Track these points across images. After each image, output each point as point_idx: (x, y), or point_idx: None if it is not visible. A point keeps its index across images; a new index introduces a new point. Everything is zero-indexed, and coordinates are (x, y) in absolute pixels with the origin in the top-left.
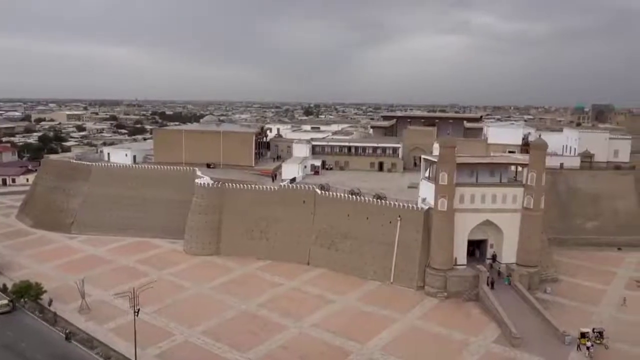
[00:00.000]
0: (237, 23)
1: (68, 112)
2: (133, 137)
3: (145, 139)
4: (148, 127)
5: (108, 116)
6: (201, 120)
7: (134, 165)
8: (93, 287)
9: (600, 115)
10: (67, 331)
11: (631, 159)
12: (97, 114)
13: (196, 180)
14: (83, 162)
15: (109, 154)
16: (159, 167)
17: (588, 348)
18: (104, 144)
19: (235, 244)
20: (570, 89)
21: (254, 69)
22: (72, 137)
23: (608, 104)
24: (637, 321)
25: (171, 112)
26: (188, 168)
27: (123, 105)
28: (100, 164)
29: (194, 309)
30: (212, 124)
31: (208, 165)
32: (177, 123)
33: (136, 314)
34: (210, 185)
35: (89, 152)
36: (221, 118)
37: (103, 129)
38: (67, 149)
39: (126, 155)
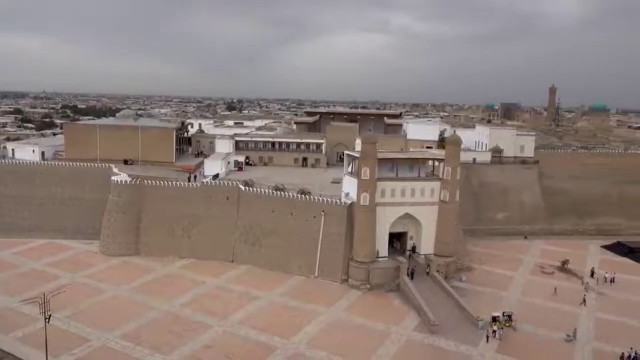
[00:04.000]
0: (156, 16)
1: None
2: (41, 132)
3: (55, 134)
4: (58, 121)
5: (12, 109)
6: (117, 114)
7: (42, 162)
8: None
9: (508, 113)
10: None
11: (535, 154)
12: None
13: (112, 178)
14: None
15: (13, 150)
16: (71, 164)
17: (494, 332)
18: (8, 139)
19: (155, 243)
20: (481, 88)
21: (173, 63)
22: None
23: (515, 103)
24: (540, 304)
25: (84, 106)
26: (103, 165)
27: (29, 98)
28: (3, 160)
29: (111, 312)
30: (129, 118)
31: (125, 162)
32: (90, 117)
33: (47, 320)
34: (128, 182)
35: None
36: (139, 112)
37: (6, 123)
38: None
39: (33, 151)
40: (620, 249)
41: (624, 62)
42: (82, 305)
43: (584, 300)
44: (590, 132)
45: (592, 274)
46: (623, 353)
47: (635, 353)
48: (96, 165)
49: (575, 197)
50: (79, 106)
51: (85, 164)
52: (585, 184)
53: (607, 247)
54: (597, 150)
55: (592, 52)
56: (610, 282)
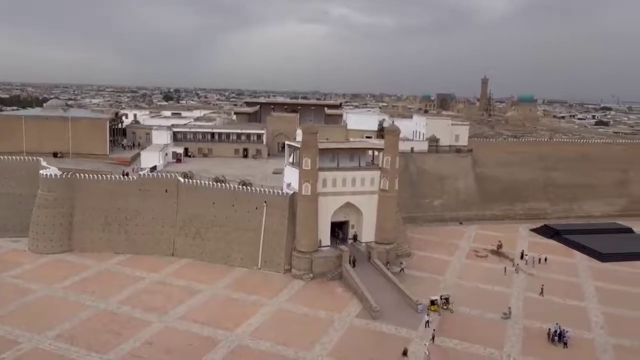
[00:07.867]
0: (85, 2)
1: None
2: None
3: None
4: None
5: None
6: (44, 104)
7: None
8: None
9: (444, 103)
10: None
11: (469, 143)
12: None
13: (41, 172)
14: None
15: None
16: None
17: (427, 322)
18: None
19: (90, 239)
20: (418, 79)
21: (105, 51)
22: None
23: (450, 94)
24: (474, 287)
25: (7, 95)
26: (30, 158)
27: None
28: None
29: (43, 313)
30: (57, 108)
31: (55, 155)
32: (14, 108)
33: None
34: (58, 176)
35: None
36: (69, 102)
37: None
38: None
39: None
40: (546, 231)
41: (550, 55)
42: (10, 307)
43: (542, 291)
44: (519, 121)
45: (522, 256)
46: (550, 329)
47: (560, 328)
48: (22, 158)
49: (506, 184)
50: (1, 96)
51: (10, 158)
52: (515, 171)
53: (535, 230)
54: (525, 139)
55: (521, 45)
56: (542, 261)
